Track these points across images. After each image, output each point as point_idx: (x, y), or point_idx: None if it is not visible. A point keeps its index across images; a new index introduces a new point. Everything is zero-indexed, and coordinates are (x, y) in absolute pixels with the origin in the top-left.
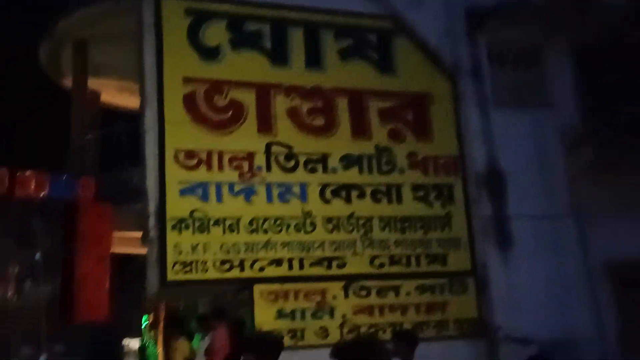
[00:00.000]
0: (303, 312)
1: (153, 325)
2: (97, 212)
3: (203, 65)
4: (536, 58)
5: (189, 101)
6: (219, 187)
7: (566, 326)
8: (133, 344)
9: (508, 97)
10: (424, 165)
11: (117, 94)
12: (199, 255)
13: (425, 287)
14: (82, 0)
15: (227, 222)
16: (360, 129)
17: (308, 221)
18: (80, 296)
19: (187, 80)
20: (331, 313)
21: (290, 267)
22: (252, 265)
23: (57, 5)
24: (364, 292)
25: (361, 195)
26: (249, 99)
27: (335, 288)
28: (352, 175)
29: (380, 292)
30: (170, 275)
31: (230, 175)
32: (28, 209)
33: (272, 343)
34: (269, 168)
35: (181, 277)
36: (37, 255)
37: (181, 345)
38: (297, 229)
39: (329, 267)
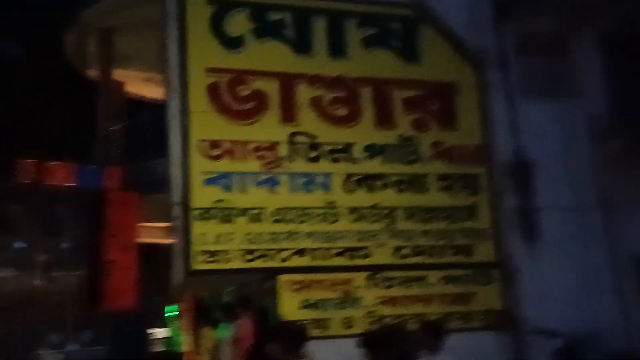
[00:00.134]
0: (327, 303)
1: (178, 315)
2: (124, 201)
3: (226, 55)
4: (564, 47)
5: (213, 91)
6: (242, 177)
7: (593, 318)
8: (159, 332)
9: (535, 87)
10: (449, 155)
11: (141, 85)
12: (223, 245)
13: (450, 278)
14: None
15: (251, 212)
16: (384, 119)
17: (332, 211)
18: (108, 284)
19: (210, 70)
20: (355, 303)
21: (314, 257)
22: (276, 256)
23: None
24: (388, 283)
25: (385, 185)
26: (272, 88)
27: (360, 278)
28: (376, 165)
29: (405, 283)
30: (195, 265)
31: (253, 165)
32: (56, 198)
33: (297, 332)
34: (292, 158)
35: (206, 266)
36: (65, 244)
37: (206, 334)
38: (321, 219)
39: (353, 257)
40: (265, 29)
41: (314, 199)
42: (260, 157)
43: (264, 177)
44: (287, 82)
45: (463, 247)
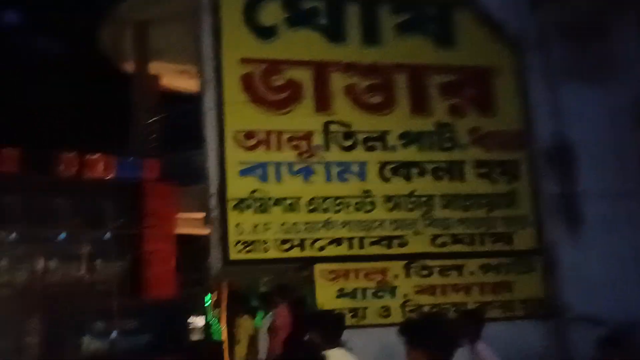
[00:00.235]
0: (364, 292)
1: (216, 304)
2: (162, 192)
3: (260, 45)
4: (606, 29)
5: (247, 82)
6: (278, 167)
7: (637, 306)
8: (198, 321)
9: (576, 69)
10: (487, 142)
11: (176, 77)
12: (260, 234)
13: (489, 267)
14: None
15: (287, 202)
16: (419, 106)
17: (367, 200)
18: (148, 274)
19: (244, 60)
20: (392, 292)
21: (351, 246)
22: (312, 245)
23: None
24: (425, 272)
25: (421, 173)
26: (306, 77)
27: (397, 267)
28: (412, 153)
29: (443, 272)
30: (233, 255)
31: (289, 155)
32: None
33: (336, 320)
34: (327, 147)
35: (243, 256)
36: (107, 235)
37: (244, 323)
38: (357, 208)
39: (390, 246)
40: (298, 18)
41: (350, 187)
42: (295, 147)
43: (299, 166)
44: (321, 70)
45: (503, 234)
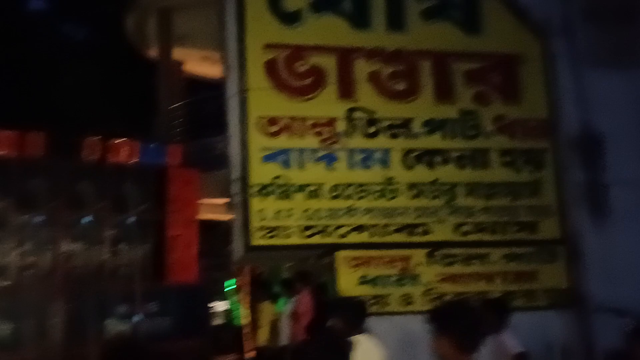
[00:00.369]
0: (386, 279)
1: (238, 289)
2: (185, 177)
3: (284, 31)
4: (635, 13)
5: (271, 68)
6: (300, 153)
7: None
8: (219, 306)
9: (604, 56)
10: (512, 129)
11: (200, 63)
12: (282, 221)
13: (513, 256)
14: None
15: (310, 189)
16: (444, 93)
17: (390, 187)
18: (171, 258)
19: (268, 46)
20: (415, 280)
21: (373, 233)
22: (334, 231)
23: None
24: (448, 260)
25: (445, 161)
26: (330, 63)
27: (419, 255)
28: (435, 141)
29: (466, 260)
30: (255, 241)
31: (311, 141)
32: (121, 175)
33: (359, 307)
34: (350, 134)
35: (265, 242)
36: (131, 219)
37: (266, 308)
38: (380, 195)
39: (413, 233)
40: (322, 3)
41: (373, 175)
42: (317, 134)
43: (322, 153)
44: (345, 56)
45: (527, 223)
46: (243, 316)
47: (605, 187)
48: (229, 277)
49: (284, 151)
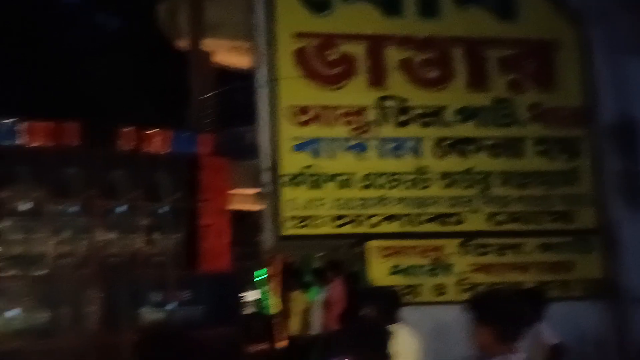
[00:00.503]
0: (418, 269)
1: (269, 278)
2: (216, 166)
3: (314, 19)
4: None
5: (301, 56)
6: (331, 142)
7: None
8: (249, 295)
9: None
10: (547, 117)
11: (230, 54)
12: (313, 210)
13: (548, 246)
14: None
15: (341, 178)
16: (477, 80)
17: (422, 177)
18: (203, 247)
19: (298, 35)
20: (447, 270)
21: (405, 223)
22: (365, 221)
23: None
24: (482, 250)
25: (479, 150)
26: (360, 52)
27: (452, 245)
28: (469, 129)
29: (500, 250)
30: (285, 230)
31: (342, 130)
32: (154, 164)
33: (393, 296)
34: (381, 123)
35: (296, 231)
36: (164, 208)
37: (297, 297)
38: (412, 184)
39: (445, 223)
40: None
41: (404, 164)
42: (348, 123)
43: (353, 142)
44: (376, 44)
45: (562, 213)
46: (274, 305)
47: None
48: (259, 267)
49: (315, 140)
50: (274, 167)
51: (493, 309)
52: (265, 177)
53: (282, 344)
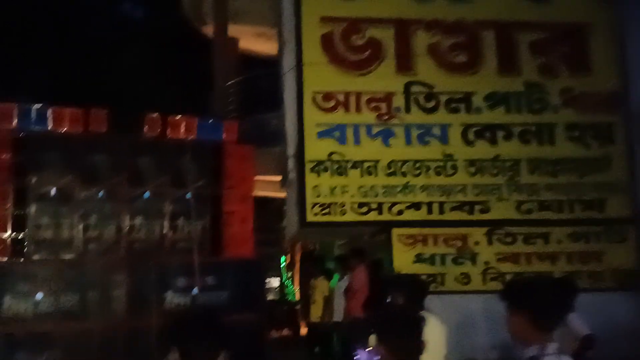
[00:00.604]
0: (443, 257)
1: (291, 265)
2: (241, 153)
3: (340, 3)
4: None
5: (327, 41)
6: (356, 129)
7: None
8: (272, 282)
9: None
10: (580, 103)
11: (255, 40)
12: (337, 197)
13: (578, 235)
14: None
15: (365, 165)
16: (507, 65)
17: (449, 164)
18: (227, 233)
19: (325, 19)
20: (473, 259)
21: (430, 211)
22: (390, 209)
23: None
24: (509, 239)
25: (508, 136)
26: (387, 36)
27: (478, 234)
28: (498, 115)
29: (528, 239)
30: (309, 217)
31: (368, 117)
32: (179, 150)
33: (419, 284)
34: (408, 109)
35: (320, 218)
36: (189, 194)
37: (320, 284)
38: (437, 172)
39: (471, 212)
40: None
41: (431, 151)
42: (374, 109)
43: (378, 129)
44: (403, 29)
45: (594, 201)
46: (296, 292)
47: None
48: (282, 254)
49: (340, 127)
50: (298, 154)
51: (529, 296)
52: (290, 163)
53: (304, 330)
